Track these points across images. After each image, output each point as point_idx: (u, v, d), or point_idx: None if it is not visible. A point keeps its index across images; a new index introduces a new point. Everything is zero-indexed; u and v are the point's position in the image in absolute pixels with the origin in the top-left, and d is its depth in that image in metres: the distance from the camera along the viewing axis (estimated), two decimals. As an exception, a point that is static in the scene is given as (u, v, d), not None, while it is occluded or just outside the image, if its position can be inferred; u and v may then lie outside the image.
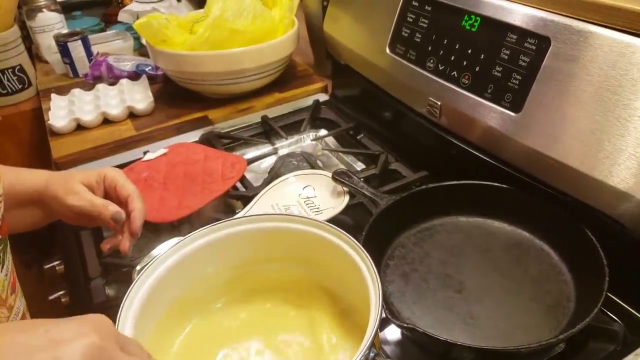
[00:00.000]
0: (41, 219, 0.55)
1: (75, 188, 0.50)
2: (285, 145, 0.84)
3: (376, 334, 0.36)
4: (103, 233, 0.68)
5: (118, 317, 0.39)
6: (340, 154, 0.84)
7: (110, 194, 0.52)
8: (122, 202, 0.51)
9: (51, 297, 0.57)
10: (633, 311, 0.51)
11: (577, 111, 0.48)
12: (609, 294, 0.49)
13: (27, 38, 1.19)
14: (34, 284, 1.04)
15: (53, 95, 0.97)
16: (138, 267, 0.45)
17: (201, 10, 0.97)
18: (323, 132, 0.89)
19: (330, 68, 0.97)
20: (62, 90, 1.00)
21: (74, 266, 0.61)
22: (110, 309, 0.53)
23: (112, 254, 0.61)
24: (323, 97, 0.97)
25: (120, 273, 0.59)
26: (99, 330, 0.29)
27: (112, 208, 0.50)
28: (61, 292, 0.58)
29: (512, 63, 0.55)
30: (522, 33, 0.54)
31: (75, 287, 0.59)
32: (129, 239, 0.50)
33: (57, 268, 0.61)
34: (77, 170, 0.54)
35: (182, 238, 0.46)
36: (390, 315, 0.46)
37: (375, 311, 0.37)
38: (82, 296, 0.57)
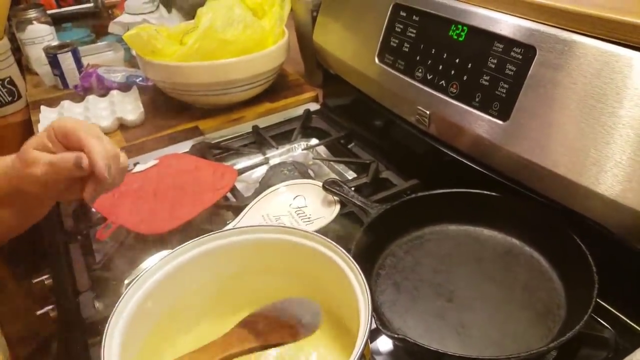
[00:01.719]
0: (16, 219, 0.52)
1: (32, 157, 0.45)
2: (277, 155, 0.84)
3: (366, 345, 0.36)
4: (92, 245, 0.68)
5: (105, 330, 0.39)
6: (332, 163, 0.84)
7: (68, 145, 0.46)
8: (80, 148, 0.45)
9: (39, 312, 0.56)
10: (624, 318, 0.51)
11: (564, 119, 0.49)
12: (600, 301, 0.49)
13: (17, 50, 1.19)
14: (23, 298, 1.03)
15: (43, 107, 0.97)
16: (127, 281, 0.45)
17: (191, 21, 0.97)
18: (314, 141, 0.89)
19: (321, 77, 0.97)
20: (52, 102, 0.99)
21: (63, 280, 0.60)
22: (100, 322, 0.53)
23: (102, 268, 0.61)
24: (314, 107, 0.97)
25: (110, 286, 0.58)
26: None
27: (70, 156, 0.44)
28: (49, 307, 0.57)
29: (499, 72, 0.55)
30: (509, 42, 0.54)
31: (64, 301, 0.58)
32: (93, 184, 0.45)
33: (45, 282, 0.61)
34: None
35: (171, 250, 0.46)
36: (381, 325, 0.46)
37: (364, 322, 0.37)
38: (71, 310, 0.57)
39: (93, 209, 0.72)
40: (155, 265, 0.44)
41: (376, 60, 0.72)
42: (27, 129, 1.05)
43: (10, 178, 0.48)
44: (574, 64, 0.48)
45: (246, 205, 0.66)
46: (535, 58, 0.51)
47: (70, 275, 0.61)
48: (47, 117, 0.94)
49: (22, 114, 1.09)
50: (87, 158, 0.44)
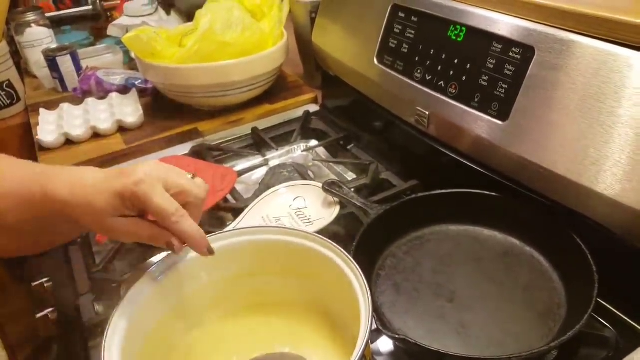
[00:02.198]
0: (53, 236, 0.48)
1: (110, 227, 0.41)
2: (276, 157, 0.84)
3: (367, 346, 0.36)
4: (92, 248, 0.67)
5: (106, 333, 0.39)
6: (331, 164, 0.84)
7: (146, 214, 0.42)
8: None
9: (39, 315, 0.56)
10: (624, 317, 0.51)
11: (563, 119, 0.49)
12: (600, 300, 0.49)
13: (16, 53, 1.19)
14: (23, 300, 1.03)
15: (42, 110, 0.97)
16: (127, 283, 0.45)
17: (190, 24, 0.97)
18: (314, 142, 0.89)
19: (320, 79, 0.97)
20: (51, 105, 0.99)
21: (63, 282, 0.60)
22: (100, 325, 0.53)
23: (102, 270, 0.61)
24: (313, 108, 0.97)
25: (110, 289, 0.58)
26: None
27: (161, 240, 0.41)
28: (49, 310, 0.57)
29: (497, 72, 0.55)
30: (507, 43, 0.54)
31: (63, 304, 0.58)
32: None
33: (45, 285, 0.61)
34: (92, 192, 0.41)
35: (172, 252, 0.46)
36: (381, 326, 0.46)
37: (365, 323, 0.37)
38: (71, 313, 0.57)
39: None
40: (155, 268, 0.44)
41: (375, 61, 0.73)
42: (27, 131, 1.05)
43: (61, 211, 0.42)
44: (572, 63, 0.48)
45: (246, 206, 0.66)
46: (534, 58, 0.51)
47: (70, 278, 0.61)
48: (46, 120, 0.94)
49: (21, 117, 1.09)
50: (179, 246, 0.42)
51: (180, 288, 0.46)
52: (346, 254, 0.43)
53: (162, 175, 0.41)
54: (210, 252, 0.44)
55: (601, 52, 0.46)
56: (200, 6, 0.93)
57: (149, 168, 0.41)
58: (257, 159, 0.83)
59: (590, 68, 0.47)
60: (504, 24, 0.55)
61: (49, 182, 0.42)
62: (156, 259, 0.46)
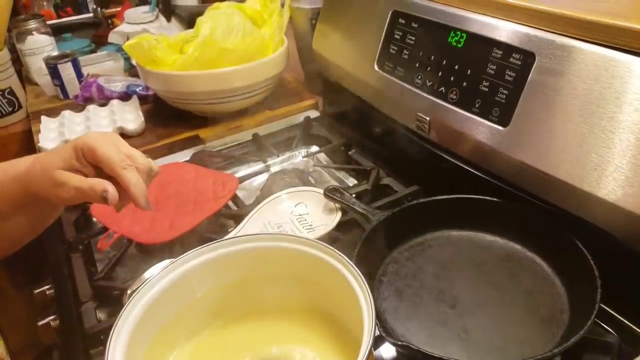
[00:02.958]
0: (31, 224, 0.52)
1: (58, 178, 0.45)
2: (277, 163, 0.84)
3: (370, 353, 0.36)
4: (94, 255, 0.67)
5: (109, 341, 0.39)
6: (332, 170, 0.84)
7: (97, 167, 0.46)
8: (113, 176, 0.45)
9: (40, 323, 0.56)
10: (627, 322, 0.51)
11: (564, 124, 0.49)
12: (603, 306, 0.49)
13: (17, 60, 1.19)
14: (24, 307, 1.03)
15: (43, 118, 0.97)
16: (129, 291, 0.45)
17: (191, 30, 0.98)
18: (314, 148, 0.89)
19: (321, 85, 0.98)
20: (53, 112, 1.00)
21: (65, 290, 0.60)
22: (102, 332, 0.53)
23: (104, 278, 0.61)
24: (314, 114, 0.97)
25: (112, 296, 0.58)
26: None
27: (99, 187, 0.44)
28: (51, 317, 0.57)
29: (498, 78, 0.55)
30: (508, 48, 0.54)
31: (65, 311, 0.58)
32: (124, 201, 0.46)
33: (47, 292, 0.61)
34: (52, 150, 0.48)
35: (174, 260, 0.46)
36: (384, 332, 0.46)
37: (368, 329, 0.37)
38: (73, 320, 0.57)
39: (94, 219, 0.72)
40: (158, 274, 0.44)
41: (375, 67, 0.73)
42: (28, 139, 1.05)
43: (25, 185, 0.48)
44: (573, 69, 0.48)
45: (248, 213, 0.66)
46: (535, 64, 0.51)
47: (71, 286, 0.61)
48: (47, 127, 0.94)
49: (22, 124, 1.10)
50: (113, 193, 0.44)
51: (183, 295, 0.46)
52: (348, 260, 0.43)
53: (114, 139, 0.47)
54: (148, 206, 0.46)
55: (602, 57, 0.46)
56: (200, 13, 0.93)
57: (103, 132, 0.48)
58: (258, 165, 0.83)
59: (591, 73, 0.47)
60: (505, 30, 0.55)
61: (13, 166, 0.49)
62: (158, 266, 0.46)
